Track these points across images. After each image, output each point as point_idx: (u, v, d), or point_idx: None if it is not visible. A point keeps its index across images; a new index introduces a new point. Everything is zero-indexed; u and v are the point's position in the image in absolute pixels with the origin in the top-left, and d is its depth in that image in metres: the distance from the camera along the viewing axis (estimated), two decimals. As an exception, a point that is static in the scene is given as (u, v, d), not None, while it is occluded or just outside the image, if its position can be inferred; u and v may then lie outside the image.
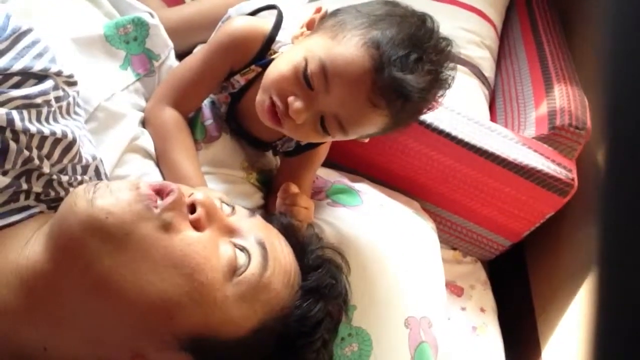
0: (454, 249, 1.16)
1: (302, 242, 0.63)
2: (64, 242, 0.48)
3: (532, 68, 1.20)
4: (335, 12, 0.73)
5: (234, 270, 0.52)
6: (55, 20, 0.79)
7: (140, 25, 0.85)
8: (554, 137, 1.04)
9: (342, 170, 1.03)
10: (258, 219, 0.59)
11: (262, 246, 0.55)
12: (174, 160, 0.77)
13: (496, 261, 1.19)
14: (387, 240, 0.85)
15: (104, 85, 0.79)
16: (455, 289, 1.11)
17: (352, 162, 1.05)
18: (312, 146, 0.85)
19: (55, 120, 0.59)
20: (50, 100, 0.57)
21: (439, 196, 1.07)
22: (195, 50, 0.91)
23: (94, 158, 0.64)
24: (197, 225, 0.52)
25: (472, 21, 1.31)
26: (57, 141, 0.57)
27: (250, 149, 0.90)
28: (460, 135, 1.00)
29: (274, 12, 0.81)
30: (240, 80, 0.81)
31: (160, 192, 0.52)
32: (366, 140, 0.80)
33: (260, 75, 0.77)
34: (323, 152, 0.89)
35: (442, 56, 0.70)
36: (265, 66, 0.76)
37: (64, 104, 0.60)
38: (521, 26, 1.36)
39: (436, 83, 0.69)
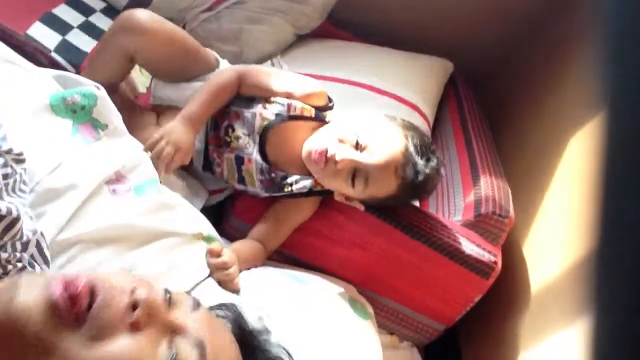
0: (391, 333, 1.17)
1: (249, 336, 0.62)
2: None
3: (462, 160, 1.29)
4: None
5: None
6: (4, 94, 0.79)
7: (89, 97, 0.87)
8: (480, 223, 1.10)
9: (279, 256, 1.05)
10: (202, 313, 0.58)
11: (201, 346, 0.54)
12: (201, 93, 1.02)
13: (431, 346, 1.20)
14: (327, 329, 0.86)
15: (51, 157, 0.78)
16: (392, 375, 1.11)
17: (291, 246, 1.07)
18: (314, 194, 1.04)
19: (0, 197, 0.57)
20: None
21: (374, 281, 1.09)
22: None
23: (34, 232, 0.62)
24: (136, 327, 0.50)
25: (407, 114, 1.39)
26: (0, 218, 0.56)
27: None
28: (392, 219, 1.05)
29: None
30: (297, 108, 1.03)
31: (91, 292, 0.49)
32: (362, 209, 1.03)
33: (305, 118, 1.03)
34: (308, 211, 1.06)
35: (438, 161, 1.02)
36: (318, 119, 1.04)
37: (11, 181, 0.59)
38: (452, 122, 1.46)
39: (435, 176, 1.01)
